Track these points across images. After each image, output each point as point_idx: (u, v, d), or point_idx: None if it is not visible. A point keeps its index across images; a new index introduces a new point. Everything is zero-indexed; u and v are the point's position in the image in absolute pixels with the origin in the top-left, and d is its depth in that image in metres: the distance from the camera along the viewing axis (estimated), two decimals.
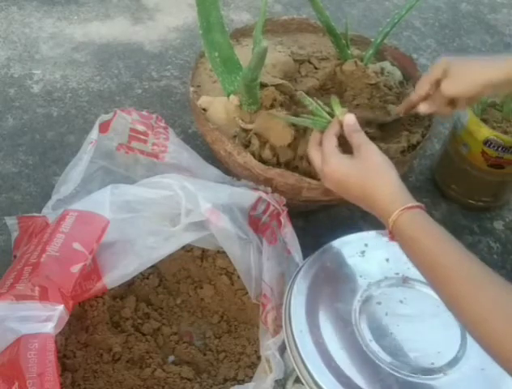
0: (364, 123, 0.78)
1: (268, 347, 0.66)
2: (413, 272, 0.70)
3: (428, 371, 0.63)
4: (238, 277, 0.79)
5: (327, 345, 0.64)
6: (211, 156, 0.87)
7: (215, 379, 0.73)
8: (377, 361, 0.63)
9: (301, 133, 0.79)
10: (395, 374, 0.63)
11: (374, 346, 0.65)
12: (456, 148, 0.96)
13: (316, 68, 0.93)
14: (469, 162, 0.94)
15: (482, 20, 1.45)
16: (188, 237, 0.74)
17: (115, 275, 0.70)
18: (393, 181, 0.65)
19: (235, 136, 0.81)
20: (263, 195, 0.77)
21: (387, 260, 0.73)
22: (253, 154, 0.78)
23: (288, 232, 0.76)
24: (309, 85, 0.88)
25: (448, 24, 1.42)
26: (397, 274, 0.72)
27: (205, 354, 0.76)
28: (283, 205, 0.78)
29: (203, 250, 0.83)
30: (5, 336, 0.58)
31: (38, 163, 0.96)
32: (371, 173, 0.66)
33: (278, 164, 0.79)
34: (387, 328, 0.67)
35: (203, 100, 0.84)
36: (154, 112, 0.95)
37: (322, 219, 0.95)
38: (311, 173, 0.78)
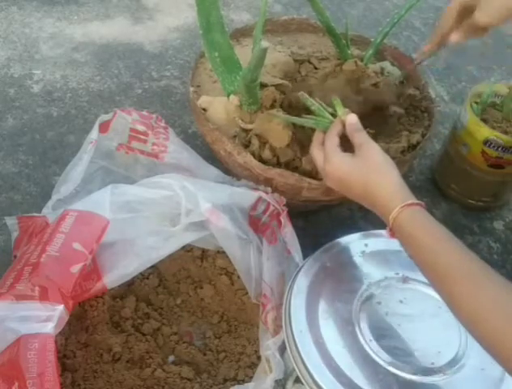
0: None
1: (268, 347, 0.66)
2: (413, 272, 0.71)
3: (428, 371, 0.63)
4: (238, 277, 0.79)
5: (327, 345, 0.64)
6: (211, 156, 0.87)
7: (215, 379, 0.73)
8: (377, 361, 0.63)
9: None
10: (395, 373, 0.63)
11: (374, 346, 0.65)
12: (456, 148, 0.96)
13: (316, 68, 0.93)
14: (469, 162, 0.94)
15: None
16: (188, 237, 0.74)
17: (115, 275, 0.70)
18: (394, 179, 0.65)
19: (235, 136, 0.81)
20: (263, 195, 0.77)
21: (387, 260, 0.73)
22: (253, 154, 0.78)
23: (288, 232, 0.76)
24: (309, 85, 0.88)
25: None
26: (397, 274, 0.72)
27: (205, 354, 0.76)
28: (283, 205, 0.78)
29: (203, 250, 0.83)
30: (5, 336, 0.58)
31: (38, 163, 0.96)
32: (372, 171, 0.66)
33: (278, 164, 0.79)
34: (387, 328, 0.67)
35: (203, 100, 0.84)
36: (154, 112, 0.95)
37: (322, 219, 0.95)
38: (311, 173, 0.78)
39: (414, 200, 0.63)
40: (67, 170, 0.79)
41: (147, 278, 0.81)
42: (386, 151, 0.78)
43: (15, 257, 0.75)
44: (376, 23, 1.37)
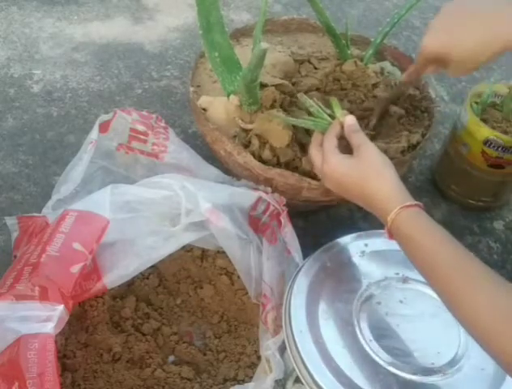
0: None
1: (268, 347, 0.66)
2: (413, 272, 0.70)
3: (428, 371, 0.63)
4: (238, 277, 0.79)
5: (327, 345, 0.64)
6: (211, 156, 0.87)
7: (215, 379, 0.73)
8: (377, 361, 0.63)
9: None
10: (395, 373, 0.63)
11: (374, 346, 0.65)
12: (456, 148, 0.96)
13: (316, 68, 0.93)
14: (469, 162, 0.94)
15: None
16: (188, 237, 0.74)
17: (115, 275, 0.70)
18: (392, 180, 0.65)
19: (235, 136, 0.81)
20: (263, 195, 0.77)
21: (387, 260, 0.73)
22: (253, 154, 0.78)
23: (288, 232, 0.76)
24: (309, 85, 0.88)
25: None
26: (397, 274, 0.72)
27: (205, 354, 0.76)
28: (283, 205, 0.78)
29: (203, 250, 0.83)
30: (5, 336, 0.58)
31: (38, 163, 0.96)
32: (370, 173, 0.66)
33: (278, 164, 0.79)
34: (387, 328, 0.67)
35: (203, 100, 0.84)
36: (154, 112, 0.95)
37: (322, 219, 0.95)
38: (311, 173, 0.78)
39: (412, 202, 0.63)
40: (67, 170, 0.79)
41: (147, 278, 0.81)
42: (386, 151, 0.79)
43: (15, 257, 0.75)
44: (376, 23, 1.37)
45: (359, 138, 0.69)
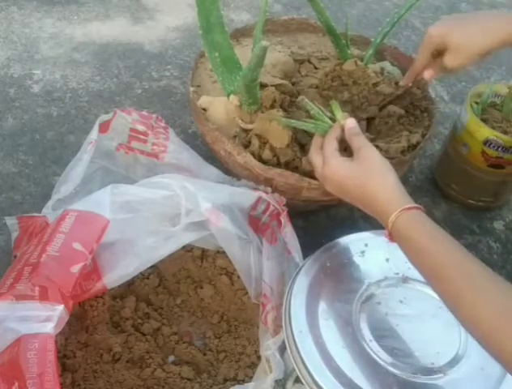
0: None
1: (268, 347, 0.66)
2: (413, 272, 0.70)
3: (428, 371, 0.63)
4: (238, 277, 0.79)
5: (327, 345, 0.64)
6: (211, 156, 0.87)
7: (215, 379, 0.73)
8: (377, 361, 0.63)
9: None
10: (395, 373, 0.63)
11: (374, 346, 0.65)
12: (456, 148, 0.96)
13: (316, 68, 0.93)
14: (469, 162, 0.94)
15: None
16: (188, 237, 0.74)
17: (115, 275, 0.70)
18: (392, 182, 0.65)
19: (235, 136, 0.81)
20: (263, 195, 0.77)
21: (387, 260, 0.74)
22: (253, 154, 0.78)
23: (288, 232, 0.76)
24: (309, 85, 0.88)
25: None
26: (397, 274, 0.72)
27: (205, 354, 0.76)
28: (283, 205, 0.78)
29: (203, 250, 0.83)
30: (5, 336, 0.58)
31: (38, 163, 0.96)
32: (370, 175, 0.66)
33: (278, 164, 0.79)
34: (387, 328, 0.67)
35: (203, 100, 0.84)
36: (154, 112, 0.95)
37: (322, 219, 0.95)
38: (311, 173, 0.78)
39: (412, 204, 0.63)
40: (67, 170, 0.79)
41: (147, 278, 0.81)
42: (386, 151, 0.79)
43: (15, 257, 0.75)
44: (376, 23, 1.37)
45: (359, 141, 0.69)
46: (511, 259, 0.95)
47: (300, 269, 0.71)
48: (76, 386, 0.69)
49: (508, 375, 0.63)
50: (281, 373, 0.65)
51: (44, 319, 0.59)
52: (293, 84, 0.88)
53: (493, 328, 0.51)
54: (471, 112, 0.91)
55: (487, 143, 0.90)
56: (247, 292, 0.78)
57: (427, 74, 0.81)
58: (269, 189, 0.78)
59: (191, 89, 0.85)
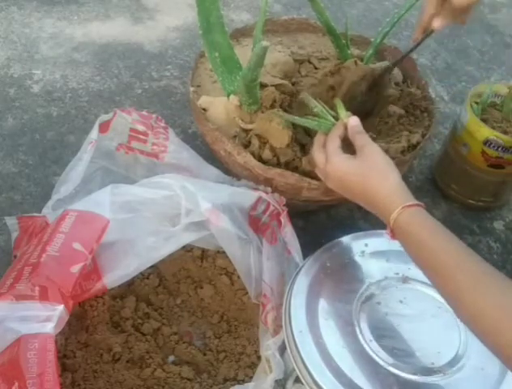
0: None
1: (268, 347, 0.66)
2: (413, 272, 0.71)
3: (428, 371, 0.63)
4: (238, 277, 0.79)
5: (327, 345, 0.64)
6: (211, 156, 0.87)
7: (215, 379, 0.73)
8: (377, 361, 0.63)
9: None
10: (395, 373, 0.63)
11: (374, 346, 0.65)
12: (456, 148, 0.96)
13: (316, 68, 0.93)
14: (469, 162, 0.94)
15: (482, 20, 1.46)
16: (188, 237, 0.74)
17: (115, 275, 0.70)
18: (394, 180, 0.65)
19: (235, 136, 0.81)
20: (263, 195, 0.77)
21: (387, 260, 0.74)
22: (253, 154, 0.78)
23: (288, 232, 0.76)
24: (308, 85, 0.88)
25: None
26: (397, 274, 0.72)
27: (205, 354, 0.76)
28: (283, 205, 0.78)
29: (203, 250, 0.83)
30: (5, 336, 0.58)
31: (38, 163, 0.96)
32: (373, 173, 0.66)
33: (278, 165, 0.79)
34: (387, 328, 0.67)
35: (203, 100, 0.84)
36: (154, 112, 0.95)
37: (322, 219, 0.95)
38: (311, 173, 0.78)
39: (414, 201, 0.63)
40: (67, 170, 0.79)
41: (147, 278, 0.81)
42: (386, 151, 0.79)
43: (15, 257, 0.75)
44: (376, 23, 1.37)
45: (362, 139, 0.70)
46: (511, 259, 0.95)
47: (300, 269, 0.71)
48: (76, 386, 0.69)
49: (508, 375, 0.63)
50: (281, 373, 0.65)
51: (44, 319, 0.59)
52: (293, 84, 0.88)
53: (494, 325, 0.51)
54: (471, 112, 0.91)
55: (487, 143, 0.90)
56: (247, 292, 0.78)
57: (436, 24, 0.76)
58: (269, 189, 0.78)
59: (191, 89, 0.85)
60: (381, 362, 0.63)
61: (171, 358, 0.75)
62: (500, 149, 0.89)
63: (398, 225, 0.62)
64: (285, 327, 0.66)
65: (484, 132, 0.89)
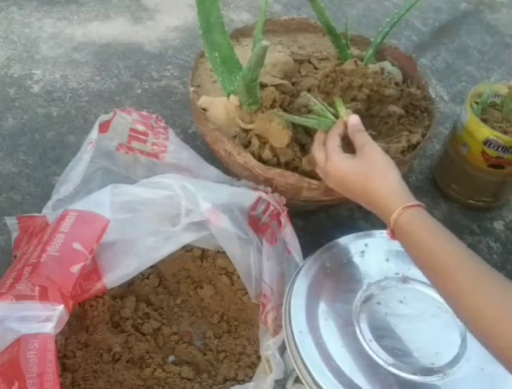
0: None
1: (268, 347, 0.66)
2: (413, 272, 0.71)
3: (428, 371, 0.63)
4: (238, 277, 0.79)
5: (327, 345, 0.64)
6: (211, 156, 0.87)
7: (215, 379, 0.73)
8: (377, 361, 0.63)
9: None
10: (395, 373, 0.63)
11: (374, 346, 0.65)
12: (456, 148, 0.96)
13: (316, 68, 0.93)
14: (469, 162, 0.94)
15: (482, 20, 1.46)
16: (188, 237, 0.74)
17: (115, 275, 0.70)
18: (395, 180, 0.65)
19: (235, 136, 0.81)
20: (263, 195, 0.77)
21: (387, 260, 0.74)
22: (253, 154, 0.78)
23: (288, 232, 0.76)
24: (309, 85, 0.88)
25: (448, 24, 1.42)
26: (397, 274, 0.72)
27: (205, 354, 0.76)
28: (283, 205, 0.78)
29: (203, 250, 0.83)
30: (5, 336, 0.58)
31: (38, 163, 0.96)
32: (373, 172, 0.66)
33: (278, 164, 0.79)
34: (387, 328, 0.67)
35: (203, 100, 0.84)
36: (154, 112, 0.95)
37: (322, 219, 0.95)
38: (311, 173, 0.78)
39: (415, 202, 0.63)
40: (67, 170, 0.79)
41: (147, 278, 0.81)
42: (386, 151, 0.78)
43: (15, 257, 0.75)
44: (376, 23, 1.37)
45: (362, 138, 0.70)
46: (511, 259, 0.95)
47: (300, 269, 0.71)
48: (76, 386, 0.69)
49: (508, 376, 0.63)
50: (281, 373, 0.65)
51: (44, 319, 0.59)
52: (293, 84, 0.88)
53: (493, 324, 0.51)
54: (471, 112, 0.91)
55: (487, 143, 0.90)
56: (247, 292, 0.78)
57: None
58: (269, 189, 0.78)
59: (191, 89, 0.85)
60: (381, 362, 0.63)
61: (171, 358, 0.75)
62: (500, 149, 0.89)
63: (398, 226, 0.62)
64: (285, 327, 0.66)
65: (484, 132, 0.89)
